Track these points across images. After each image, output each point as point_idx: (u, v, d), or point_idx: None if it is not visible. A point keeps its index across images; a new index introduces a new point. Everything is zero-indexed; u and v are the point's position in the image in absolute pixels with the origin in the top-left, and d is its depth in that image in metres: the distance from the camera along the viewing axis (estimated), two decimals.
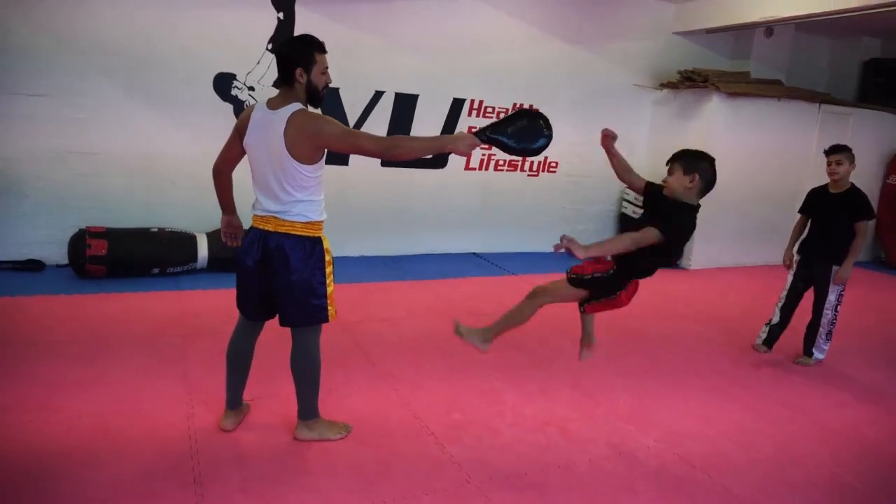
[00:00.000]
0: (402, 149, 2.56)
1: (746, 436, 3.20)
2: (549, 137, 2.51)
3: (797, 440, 3.21)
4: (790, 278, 4.33)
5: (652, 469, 2.82)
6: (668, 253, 2.69)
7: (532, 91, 6.89)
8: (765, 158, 7.18)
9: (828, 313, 4.16)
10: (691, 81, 7.01)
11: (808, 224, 4.31)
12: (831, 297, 4.14)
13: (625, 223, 7.59)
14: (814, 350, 4.24)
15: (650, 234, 2.54)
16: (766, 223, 7.39)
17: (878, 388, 3.99)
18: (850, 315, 5.68)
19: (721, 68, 7.50)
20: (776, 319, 4.37)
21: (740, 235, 7.32)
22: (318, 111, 2.68)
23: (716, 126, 6.90)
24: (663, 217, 2.61)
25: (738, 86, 6.94)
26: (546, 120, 2.53)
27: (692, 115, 7.13)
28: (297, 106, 2.51)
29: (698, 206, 2.73)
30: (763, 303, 5.67)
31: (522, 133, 2.50)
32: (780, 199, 7.47)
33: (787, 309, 4.33)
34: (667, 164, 2.76)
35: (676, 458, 2.93)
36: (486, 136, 2.50)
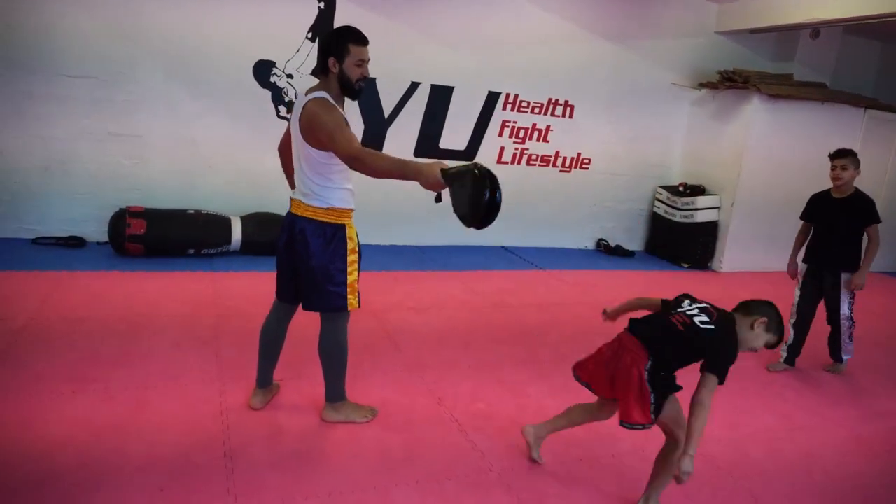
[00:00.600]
0: (362, 163, 2.35)
1: (775, 442, 3.16)
2: (493, 208, 2.08)
3: (827, 449, 3.16)
4: (798, 292, 4.17)
5: None
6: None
7: (568, 87, 6.86)
8: (804, 163, 7.01)
9: (845, 323, 4.05)
10: (731, 82, 6.89)
11: (812, 231, 4.14)
12: (844, 307, 4.02)
13: (656, 223, 7.52)
14: (842, 354, 4.14)
15: (712, 385, 2.22)
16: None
17: None
18: (878, 324, 5.55)
19: (764, 70, 7.36)
20: (791, 339, 4.15)
21: (773, 240, 7.17)
22: (346, 103, 2.64)
23: (755, 129, 6.78)
24: (719, 362, 2.24)
25: (780, 88, 6.79)
26: (486, 185, 2.07)
27: (731, 117, 7.01)
28: (318, 93, 2.54)
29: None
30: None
31: (457, 196, 2.16)
32: None
33: (801, 324, 4.14)
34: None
35: (701, 459, 2.91)
36: (448, 181, 2.16)
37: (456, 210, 2.19)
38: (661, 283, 6.33)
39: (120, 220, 5.06)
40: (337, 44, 2.54)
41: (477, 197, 2.09)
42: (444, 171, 2.17)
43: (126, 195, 5.45)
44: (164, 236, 5.15)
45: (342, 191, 2.65)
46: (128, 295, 4.27)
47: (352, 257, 2.70)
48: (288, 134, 2.82)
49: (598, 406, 2.59)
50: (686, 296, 2.45)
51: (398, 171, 2.31)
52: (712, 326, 2.26)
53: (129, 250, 5.07)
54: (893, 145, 7.56)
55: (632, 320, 2.43)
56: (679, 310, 2.35)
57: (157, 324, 3.82)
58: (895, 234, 7.92)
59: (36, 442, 2.49)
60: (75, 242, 5.30)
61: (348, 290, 2.69)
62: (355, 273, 2.72)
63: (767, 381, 3.95)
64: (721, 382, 2.21)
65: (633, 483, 2.66)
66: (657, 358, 2.28)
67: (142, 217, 5.09)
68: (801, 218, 4.21)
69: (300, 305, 2.88)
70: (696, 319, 2.28)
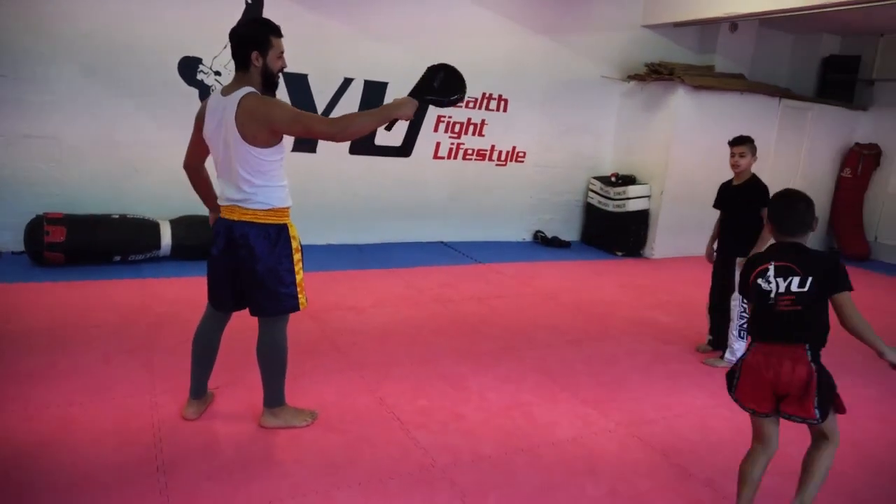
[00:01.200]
0: (355, 126, 2.50)
1: (706, 421, 3.30)
2: (464, 84, 2.74)
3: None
4: (712, 280, 4.21)
5: (612, 452, 2.90)
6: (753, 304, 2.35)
7: (501, 81, 6.93)
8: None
9: (734, 304, 3.96)
10: (658, 74, 7.13)
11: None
12: (735, 294, 3.95)
13: (591, 213, 7.71)
14: (727, 353, 4.03)
15: (849, 298, 2.18)
16: None
17: (871, 393, 4.11)
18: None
19: (688, 62, 7.65)
20: (710, 325, 4.23)
21: (701, 226, 7.45)
22: (274, 96, 2.63)
23: (681, 118, 7.04)
24: (839, 280, 2.19)
25: (703, 79, 7.08)
26: (457, 70, 2.73)
27: (658, 107, 7.26)
28: (247, 89, 2.47)
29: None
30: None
31: (446, 85, 2.68)
32: None
33: (715, 310, 4.17)
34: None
35: (636, 440, 3.02)
36: (423, 97, 2.64)
37: (451, 95, 2.70)
38: (598, 270, 6.50)
39: (37, 227, 4.79)
40: (259, 36, 2.49)
41: (450, 74, 2.70)
42: (415, 94, 2.62)
43: (44, 201, 5.15)
44: (87, 243, 4.91)
45: (280, 188, 2.60)
46: (48, 307, 4.05)
47: (297, 256, 2.67)
48: (197, 146, 2.69)
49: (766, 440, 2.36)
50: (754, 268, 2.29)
51: (383, 114, 2.54)
52: (806, 278, 2.16)
53: (49, 259, 4.80)
54: (805, 132, 7.99)
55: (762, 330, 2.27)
56: (770, 295, 2.21)
57: (84, 335, 3.64)
58: None
59: None
60: None
61: (297, 289, 2.66)
62: (301, 272, 2.69)
63: (701, 363, 4.11)
64: (852, 289, 2.16)
65: (574, 471, 2.72)
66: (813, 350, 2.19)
67: (61, 224, 4.83)
68: (714, 206, 4.27)
69: (234, 312, 2.81)
70: (792, 289, 2.18)
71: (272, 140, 2.50)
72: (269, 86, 2.56)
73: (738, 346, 3.97)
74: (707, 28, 7.77)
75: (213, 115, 2.52)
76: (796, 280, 2.19)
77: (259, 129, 2.44)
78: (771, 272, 2.24)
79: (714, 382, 3.80)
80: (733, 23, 7.64)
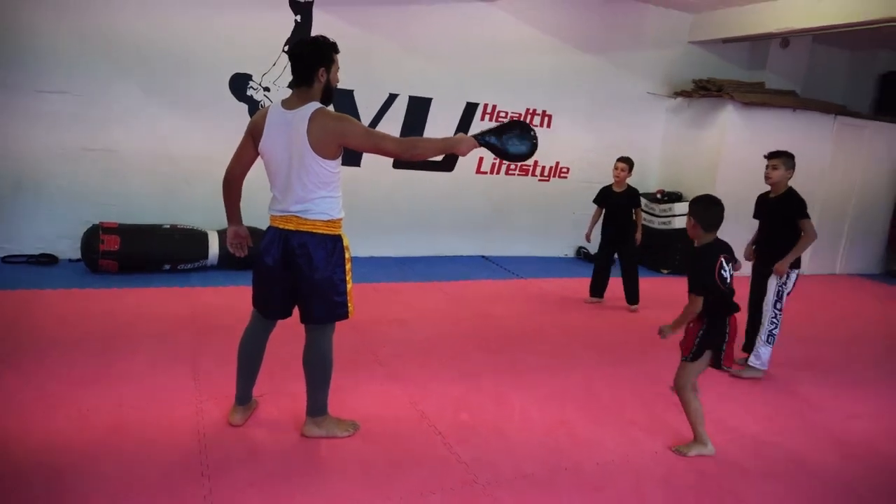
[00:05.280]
0: (419, 149, 2.68)
1: (759, 447, 3.17)
2: (535, 147, 2.78)
3: (809, 451, 3.17)
4: (750, 289, 4.30)
5: (660, 475, 2.80)
6: (722, 291, 2.93)
7: (546, 97, 6.91)
8: None
9: (767, 309, 4.06)
10: (706, 90, 7.01)
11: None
12: (768, 298, 4.06)
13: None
14: (752, 356, 4.08)
15: (695, 303, 2.90)
16: None
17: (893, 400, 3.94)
18: (864, 326, 5.64)
19: (736, 78, 7.48)
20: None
21: None
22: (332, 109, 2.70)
23: (729, 136, 6.88)
24: (690, 277, 2.95)
25: (753, 95, 6.92)
26: (534, 133, 2.80)
27: (706, 124, 7.12)
28: (316, 104, 2.55)
29: (714, 240, 3.00)
30: None
31: (513, 140, 2.76)
32: None
33: (750, 316, 4.26)
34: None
35: (684, 463, 2.91)
36: (483, 139, 2.74)
37: (509, 151, 2.76)
38: (642, 289, 6.35)
39: (93, 236, 4.96)
40: (325, 54, 2.57)
41: (525, 134, 2.77)
42: (480, 134, 2.76)
43: (100, 211, 5.35)
44: (139, 252, 5.06)
45: (338, 199, 2.67)
46: (102, 313, 4.17)
47: (348, 265, 2.72)
48: (244, 157, 2.74)
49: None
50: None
51: (443, 145, 2.71)
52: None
53: (103, 267, 4.97)
54: (862, 151, 7.72)
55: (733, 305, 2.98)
56: (727, 279, 2.94)
57: (133, 342, 3.73)
58: (867, 236, 8.10)
59: (6, 468, 2.41)
60: (47, 260, 5.19)
61: (348, 298, 2.72)
62: (351, 281, 2.75)
63: (751, 384, 3.97)
64: (697, 294, 2.94)
65: (620, 492, 2.64)
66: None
67: (115, 233, 4.99)
68: (753, 217, 4.37)
69: (280, 320, 2.84)
70: (732, 273, 2.97)
71: (338, 153, 2.59)
72: (327, 100, 2.63)
73: (763, 352, 4.08)
74: (757, 44, 7.61)
75: (276, 129, 2.57)
76: (731, 265, 2.98)
77: (330, 143, 2.52)
78: (723, 262, 2.93)
79: (767, 406, 3.65)
80: (785, 38, 7.46)
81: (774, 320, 4.06)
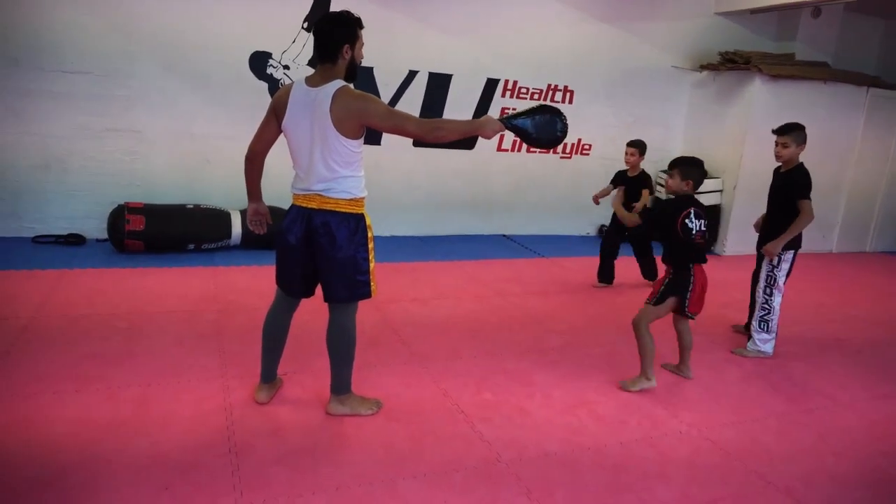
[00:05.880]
0: (443, 131, 2.57)
1: (784, 426, 3.14)
2: (564, 135, 2.71)
3: (836, 431, 3.13)
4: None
5: (683, 455, 2.79)
6: (683, 240, 3.26)
7: (567, 72, 6.80)
8: (808, 144, 6.93)
9: (758, 295, 3.94)
10: (733, 63, 6.82)
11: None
12: (760, 279, 3.93)
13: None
14: (749, 342, 4.02)
15: (630, 219, 3.56)
16: None
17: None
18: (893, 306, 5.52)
19: (765, 50, 7.28)
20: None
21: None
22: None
23: (757, 109, 6.72)
24: (651, 214, 3.34)
25: (783, 68, 6.72)
26: (564, 118, 2.70)
27: (732, 99, 6.95)
28: (340, 82, 2.52)
29: (688, 196, 3.30)
30: (798, 289, 5.55)
31: (542, 126, 2.67)
32: (821, 187, 7.23)
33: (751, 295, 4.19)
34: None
35: (709, 444, 2.89)
36: (510, 123, 2.66)
37: (538, 137, 2.68)
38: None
39: (119, 216, 5.02)
40: (350, 30, 2.54)
41: (554, 119, 2.68)
42: (507, 117, 2.68)
43: (125, 191, 5.42)
44: (164, 232, 5.12)
45: (361, 179, 2.66)
46: (128, 292, 4.24)
47: (371, 244, 2.72)
48: (266, 134, 2.72)
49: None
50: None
51: (468, 127, 2.65)
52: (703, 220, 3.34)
53: (129, 247, 5.04)
54: None
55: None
56: (692, 231, 3.26)
57: (159, 320, 3.80)
58: None
59: (39, 440, 2.47)
60: (75, 240, 5.27)
61: (370, 277, 2.72)
62: (373, 260, 2.75)
63: (776, 364, 3.92)
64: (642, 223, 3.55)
65: (644, 472, 2.63)
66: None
67: (141, 213, 5.05)
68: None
69: (303, 299, 2.85)
70: (702, 228, 3.28)
71: (360, 132, 2.56)
72: (351, 77, 2.61)
73: (759, 337, 3.97)
74: (787, 14, 7.37)
75: (299, 106, 2.55)
76: (703, 222, 3.27)
77: (353, 123, 2.50)
78: (692, 214, 3.22)
79: (794, 387, 3.61)
80: (816, 7, 7.22)
81: (766, 306, 3.90)
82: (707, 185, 6.93)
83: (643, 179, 5.23)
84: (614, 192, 5.25)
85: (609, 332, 4.27)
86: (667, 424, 3.05)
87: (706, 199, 6.93)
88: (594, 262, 6.22)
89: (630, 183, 5.23)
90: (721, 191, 6.99)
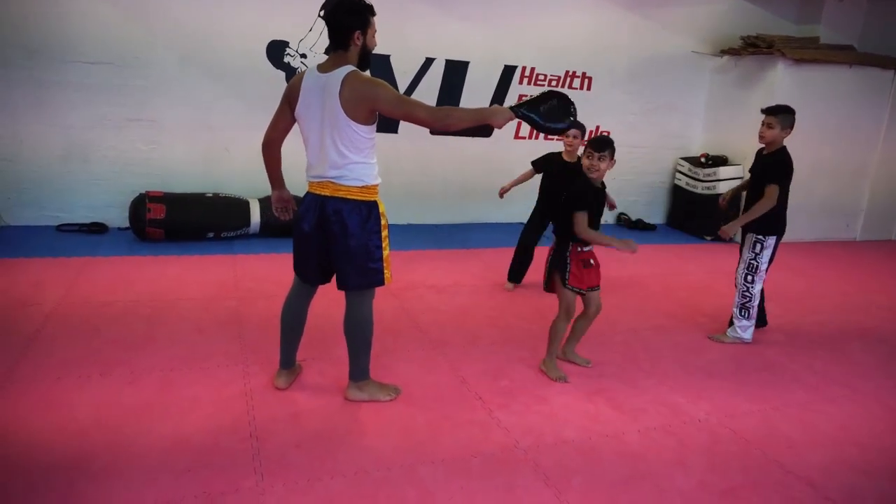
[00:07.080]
0: (452, 119, 2.56)
1: (805, 415, 3.11)
2: (574, 120, 2.72)
3: (858, 421, 3.09)
4: None
5: (702, 443, 2.78)
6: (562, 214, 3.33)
7: (585, 58, 6.72)
8: (832, 130, 6.83)
9: (738, 281, 3.85)
10: (755, 47, 6.69)
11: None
12: (740, 265, 3.85)
13: (678, 196, 7.39)
14: (729, 328, 3.95)
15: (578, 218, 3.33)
16: (829, 198, 7.08)
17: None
18: None
19: (787, 34, 7.13)
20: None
21: (799, 210, 7.02)
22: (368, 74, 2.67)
23: (780, 95, 6.56)
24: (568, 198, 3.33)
25: (806, 52, 6.58)
26: (572, 104, 2.69)
27: (754, 84, 6.83)
28: (349, 68, 2.52)
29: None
30: (821, 278, 5.47)
31: (551, 112, 2.66)
32: (846, 173, 7.12)
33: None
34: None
35: (729, 432, 2.88)
36: (521, 112, 2.65)
37: (550, 123, 2.66)
38: (684, 255, 6.24)
39: (140, 205, 5.09)
40: (361, 16, 2.53)
41: (563, 106, 2.66)
42: (517, 106, 2.65)
43: (146, 180, 5.48)
44: (184, 220, 5.17)
45: (373, 166, 2.65)
46: (150, 279, 4.30)
47: (384, 232, 2.72)
48: (281, 122, 2.73)
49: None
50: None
51: (478, 115, 2.62)
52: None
53: (150, 235, 5.10)
54: None
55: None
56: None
57: (180, 307, 3.85)
58: None
59: (64, 424, 2.53)
60: (98, 228, 5.35)
61: (384, 264, 2.72)
62: (388, 248, 2.74)
63: (796, 353, 3.87)
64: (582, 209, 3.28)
65: (663, 461, 2.63)
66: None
67: (161, 202, 5.11)
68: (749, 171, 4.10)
69: (320, 286, 2.87)
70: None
71: (371, 118, 2.55)
72: (364, 64, 2.60)
73: (738, 324, 3.89)
74: None
75: (311, 93, 2.56)
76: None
77: (362, 107, 2.49)
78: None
79: (816, 376, 3.57)
80: None
81: (747, 293, 3.82)
82: (727, 171, 6.84)
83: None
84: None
85: (626, 318, 4.25)
86: (686, 412, 3.04)
87: (726, 187, 6.84)
88: (612, 249, 6.18)
89: (563, 168, 4.47)
90: (741, 178, 6.88)
